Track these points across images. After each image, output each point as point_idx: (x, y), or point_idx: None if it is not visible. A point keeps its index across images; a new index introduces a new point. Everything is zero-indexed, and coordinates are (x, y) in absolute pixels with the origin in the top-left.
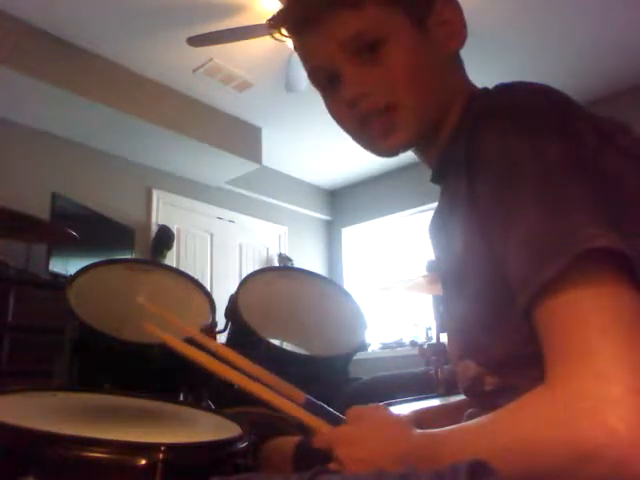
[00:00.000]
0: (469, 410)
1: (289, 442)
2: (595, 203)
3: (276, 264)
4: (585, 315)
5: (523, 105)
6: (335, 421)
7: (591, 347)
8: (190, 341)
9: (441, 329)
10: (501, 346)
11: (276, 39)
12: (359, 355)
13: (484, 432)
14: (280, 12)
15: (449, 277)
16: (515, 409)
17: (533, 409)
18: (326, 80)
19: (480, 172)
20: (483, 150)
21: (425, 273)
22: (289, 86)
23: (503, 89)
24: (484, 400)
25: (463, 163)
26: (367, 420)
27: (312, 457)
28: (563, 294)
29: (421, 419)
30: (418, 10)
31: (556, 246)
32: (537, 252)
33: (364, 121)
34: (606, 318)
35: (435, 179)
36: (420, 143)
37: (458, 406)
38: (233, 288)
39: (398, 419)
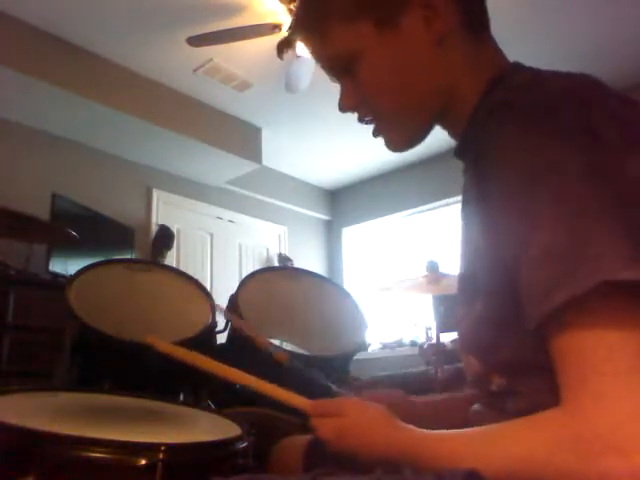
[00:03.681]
0: (474, 406)
1: (300, 441)
2: (615, 219)
3: (276, 264)
4: (607, 349)
5: (544, 106)
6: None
7: (615, 386)
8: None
9: (441, 329)
10: (508, 349)
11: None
12: (359, 355)
13: (482, 443)
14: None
15: (465, 268)
16: (525, 429)
17: (548, 435)
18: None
19: (494, 175)
20: (498, 152)
21: (425, 273)
22: (289, 86)
23: (527, 82)
24: (489, 399)
25: (479, 157)
26: (349, 416)
27: (323, 456)
28: (581, 322)
29: (423, 411)
30: (386, 12)
31: (574, 270)
32: (552, 272)
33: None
34: (628, 355)
35: (458, 155)
36: (431, 128)
37: (461, 399)
38: (233, 288)
39: (383, 417)
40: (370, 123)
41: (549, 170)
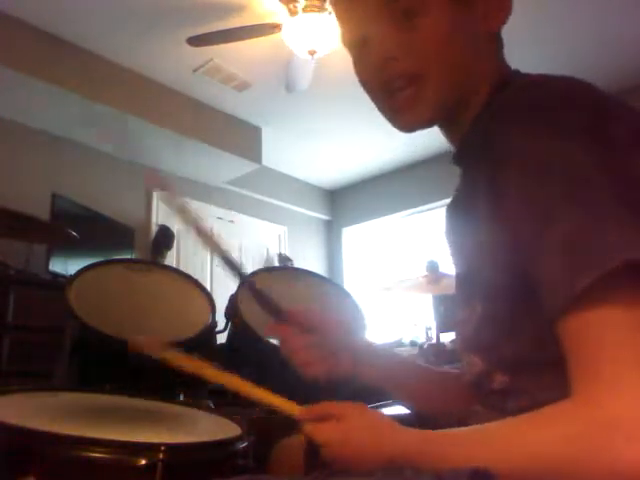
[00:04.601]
0: (475, 407)
1: (300, 442)
2: (630, 211)
3: (276, 264)
4: (622, 337)
5: (548, 105)
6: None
7: (631, 374)
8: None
9: (441, 329)
10: (513, 346)
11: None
12: None
13: (492, 441)
14: None
15: (463, 268)
16: (536, 423)
17: (561, 427)
18: (358, 42)
19: (506, 170)
20: (507, 148)
21: (425, 273)
22: (289, 86)
23: (527, 84)
24: (491, 398)
25: (482, 157)
26: (352, 420)
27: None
28: (598, 307)
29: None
30: None
31: (593, 255)
32: (572, 259)
33: (387, 90)
34: None
35: (456, 161)
36: (443, 121)
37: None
38: (233, 288)
39: (383, 419)
40: (396, 83)
41: (562, 161)
